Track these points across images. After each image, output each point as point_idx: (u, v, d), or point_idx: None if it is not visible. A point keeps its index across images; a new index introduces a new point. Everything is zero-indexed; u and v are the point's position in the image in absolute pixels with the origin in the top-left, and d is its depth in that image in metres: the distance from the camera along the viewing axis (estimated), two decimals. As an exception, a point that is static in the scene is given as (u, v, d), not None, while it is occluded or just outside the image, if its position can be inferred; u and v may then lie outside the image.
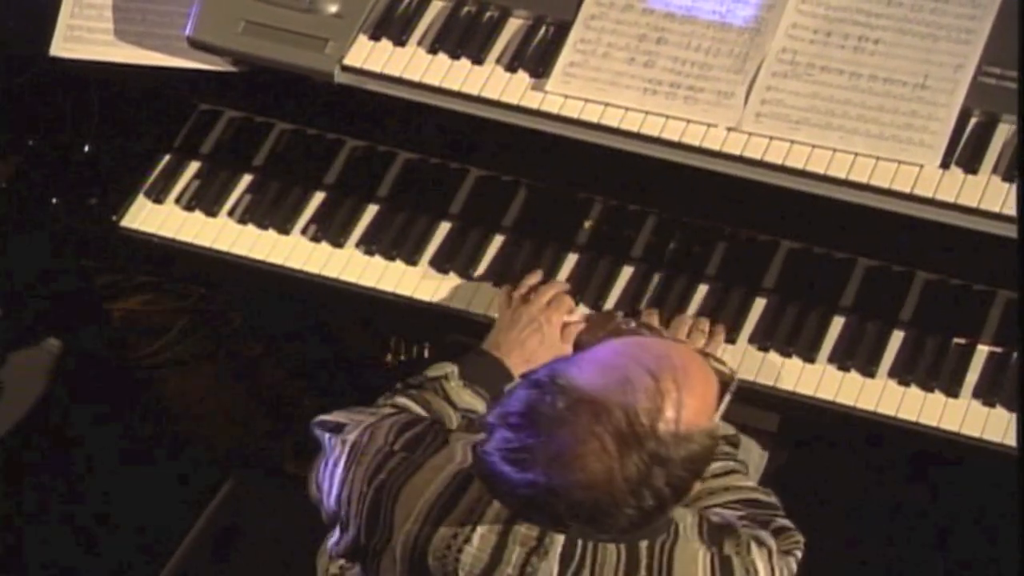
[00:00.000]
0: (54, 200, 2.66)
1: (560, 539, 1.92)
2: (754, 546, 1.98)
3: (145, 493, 2.98)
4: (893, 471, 2.76)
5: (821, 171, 2.33)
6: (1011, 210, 2.27)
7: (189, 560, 2.59)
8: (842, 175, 2.32)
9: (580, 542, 1.92)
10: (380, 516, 1.98)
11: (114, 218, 2.64)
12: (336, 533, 2.04)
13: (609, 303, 2.49)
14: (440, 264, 2.56)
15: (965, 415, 2.35)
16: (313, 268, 2.58)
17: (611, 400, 1.81)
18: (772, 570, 1.97)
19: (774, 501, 2.17)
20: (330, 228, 2.61)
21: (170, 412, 3.10)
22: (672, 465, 1.82)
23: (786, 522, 2.14)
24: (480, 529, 1.92)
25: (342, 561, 2.08)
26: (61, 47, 2.61)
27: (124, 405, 3.09)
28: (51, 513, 2.98)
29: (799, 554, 2.12)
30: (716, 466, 2.16)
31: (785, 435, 2.55)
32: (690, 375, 1.86)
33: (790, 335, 2.43)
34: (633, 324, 2.30)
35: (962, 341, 2.40)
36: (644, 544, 1.92)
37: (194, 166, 2.70)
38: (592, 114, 2.41)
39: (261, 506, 2.60)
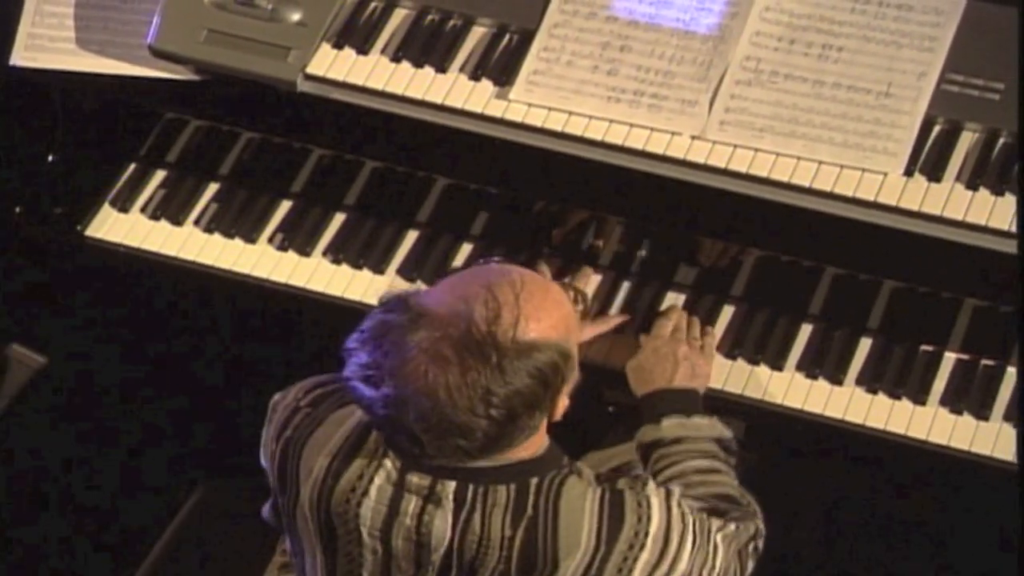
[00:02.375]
0: (18, 210, 2.65)
1: (451, 485, 1.93)
2: (651, 483, 1.98)
3: (117, 499, 2.97)
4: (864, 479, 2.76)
5: (785, 179, 2.32)
6: (974, 218, 2.26)
7: (157, 570, 2.58)
8: (806, 183, 2.32)
9: (471, 487, 1.93)
10: (288, 473, 2.00)
11: (79, 228, 2.63)
12: (271, 497, 2.09)
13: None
14: (408, 273, 2.55)
15: (932, 423, 2.34)
16: (280, 277, 2.57)
17: (450, 311, 1.85)
18: (669, 510, 1.96)
19: (746, 503, 2.16)
20: (297, 237, 2.60)
21: (142, 418, 3.09)
22: (517, 374, 1.84)
23: (743, 516, 2.13)
24: (377, 481, 1.95)
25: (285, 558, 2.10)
26: (22, 56, 2.60)
27: (98, 411, 3.08)
28: (23, 520, 2.98)
29: (752, 547, 2.12)
30: (702, 463, 2.17)
31: (752, 442, 2.54)
32: (529, 289, 1.88)
33: (758, 343, 2.43)
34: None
35: (929, 349, 2.39)
36: (534, 481, 1.94)
37: (160, 175, 2.69)
38: (556, 122, 2.40)
39: (231, 515, 2.59)
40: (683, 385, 2.27)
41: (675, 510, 1.98)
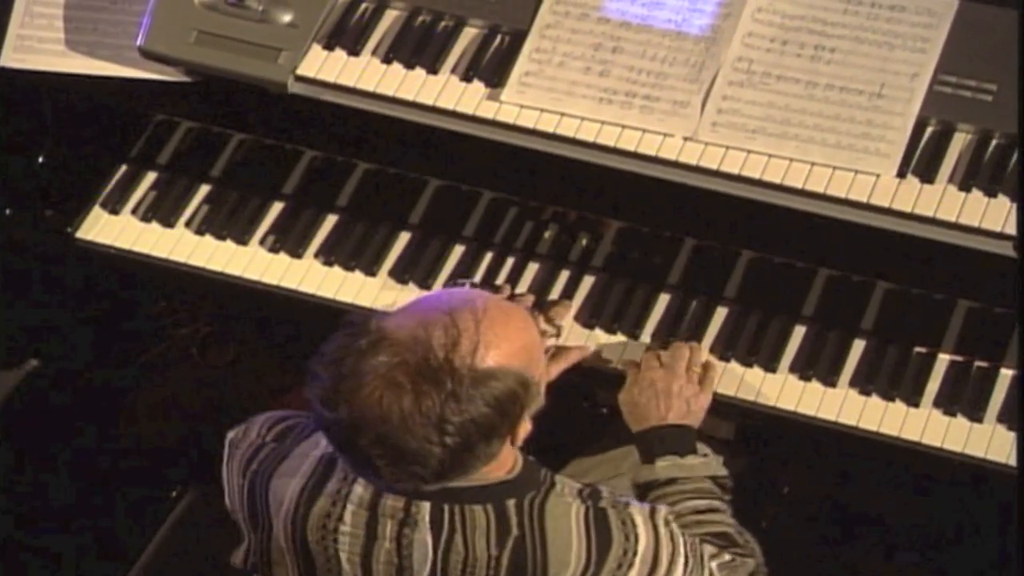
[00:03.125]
0: (8, 212, 2.64)
1: (426, 507, 1.92)
2: (634, 503, 1.97)
3: (105, 504, 2.96)
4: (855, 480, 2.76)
5: (778, 181, 2.31)
6: (967, 219, 2.25)
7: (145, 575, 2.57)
8: (798, 185, 2.31)
9: (446, 507, 1.92)
10: (258, 508, 2.00)
11: (69, 230, 2.62)
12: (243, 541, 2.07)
13: (570, 313, 2.47)
14: (399, 275, 2.55)
15: (926, 425, 2.33)
16: (271, 279, 2.57)
17: (409, 336, 1.83)
18: (655, 528, 1.95)
19: (744, 541, 2.15)
20: (288, 239, 2.59)
21: (133, 422, 3.08)
22: (472, 402, 1.82)
23: (743, 553, 2.12)
24: (350, 507, 1.95)
25: None
26: (11, 57, 2.59)
27: (86, 417, 3.07)
28: (11, 525, 2.97)
29: None
30: (701, 503, 2.15)
31: (741, 443, 2.54)
32: (491, 316, 1.86)
33: (751, 345, 2.42)
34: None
35: (923, 351, 2.38)
36: (512, 502, 1.93)
37: (151, 177, 2.68)
38: (548, 124, 2.39)
39: (220, 521, 2.58)
40: (677, 422, 2.24)
41: (662, 529, 1.97)
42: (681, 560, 1.97)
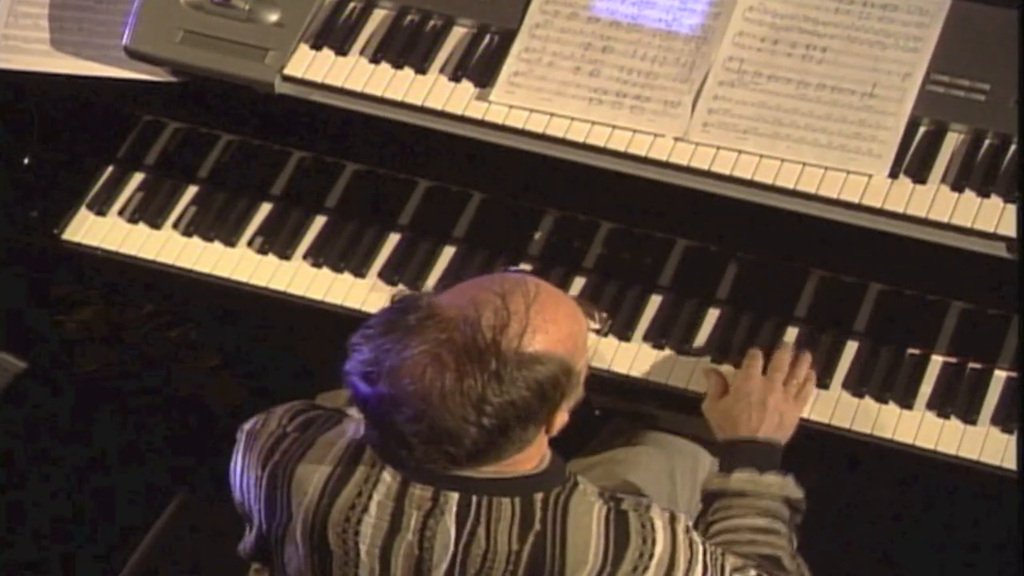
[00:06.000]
0: (-7, 213, 2.63)
1: (454, 496, 1.91)
2: (655, 507, 1.96)
3: (94, 509, 2.95)
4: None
5: (769, 181, 2.30)
6: (960, 220, 2.24)
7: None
8: (790, 185, 2.30)
9: (474, 499, 1.91)
10: (277, 499, 1.97)
11: (56, 231, 2.61)
12: (247, 532, 2.04)
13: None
14: (389, 276, 2.53)
15: (919, 427, 2.32)
16: (260, 281, 2.55)
17: (459, 315, 1.83)
18: (674, 534, 1.94)
19: (792, 567, 2.10)
20: (277, 240, 2.58)
21: (122, 425, 3.07)
22: (515, 385, 1.81)
23: None
24: (376, 497, 1.93)
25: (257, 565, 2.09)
26: (-4, 58, 2.59)
27: (76, 419, 3.06)
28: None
29: None
30: (760, 522, 2.13)
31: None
32: (542, 301, 1.85)
33: (743, 347, 2.40)
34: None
35: (916, 352, 2.37)
36: (539, 496, 1.92)
37: (138, 178, 2.66)
38: (537, 124, 2.38)
39: (209, 526, 2.57)
40: (766, 437, 2.21)
41: (681, 535, 1.95)
42: (699, 568, 1.95)
